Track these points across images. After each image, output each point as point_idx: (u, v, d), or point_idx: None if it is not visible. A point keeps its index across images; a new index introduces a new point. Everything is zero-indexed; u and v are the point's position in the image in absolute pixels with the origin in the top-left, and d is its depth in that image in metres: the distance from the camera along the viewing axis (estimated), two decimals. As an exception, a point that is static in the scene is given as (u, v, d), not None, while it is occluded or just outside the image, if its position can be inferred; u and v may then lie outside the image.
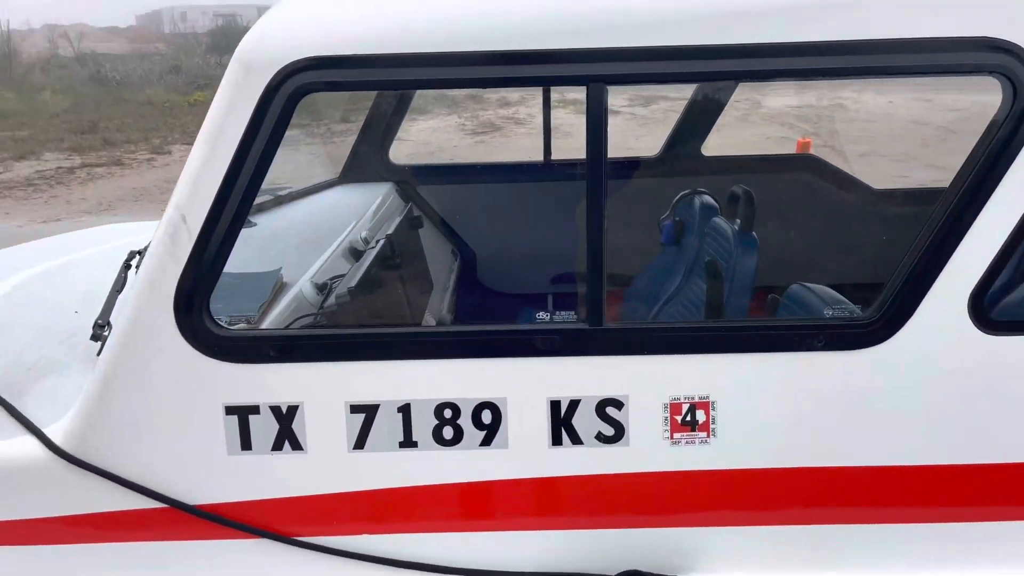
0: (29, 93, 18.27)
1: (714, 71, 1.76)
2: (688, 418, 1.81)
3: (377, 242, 2.77)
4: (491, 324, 2.18)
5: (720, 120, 3.60)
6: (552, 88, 3.52)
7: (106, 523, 1.88)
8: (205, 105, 1.78)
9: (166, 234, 1.76)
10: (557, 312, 3.40)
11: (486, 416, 1.82)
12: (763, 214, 2.73)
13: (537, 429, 1.82)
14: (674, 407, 1.80)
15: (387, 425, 1.82)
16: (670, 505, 1.87)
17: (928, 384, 1.79)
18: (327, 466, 1.85)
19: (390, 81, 1.82)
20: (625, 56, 1.68)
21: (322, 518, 1.87)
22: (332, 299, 2.30)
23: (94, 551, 1.90)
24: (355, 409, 1.82)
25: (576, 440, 1.83)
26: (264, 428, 1.82)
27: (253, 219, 2.68)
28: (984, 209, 1.70)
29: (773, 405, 1.81)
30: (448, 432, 1.83)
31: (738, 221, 2.76)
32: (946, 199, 1.72)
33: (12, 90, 18.56)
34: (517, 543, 1.89)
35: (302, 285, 2.30)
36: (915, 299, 1.75)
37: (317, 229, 2.88)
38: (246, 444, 1.83)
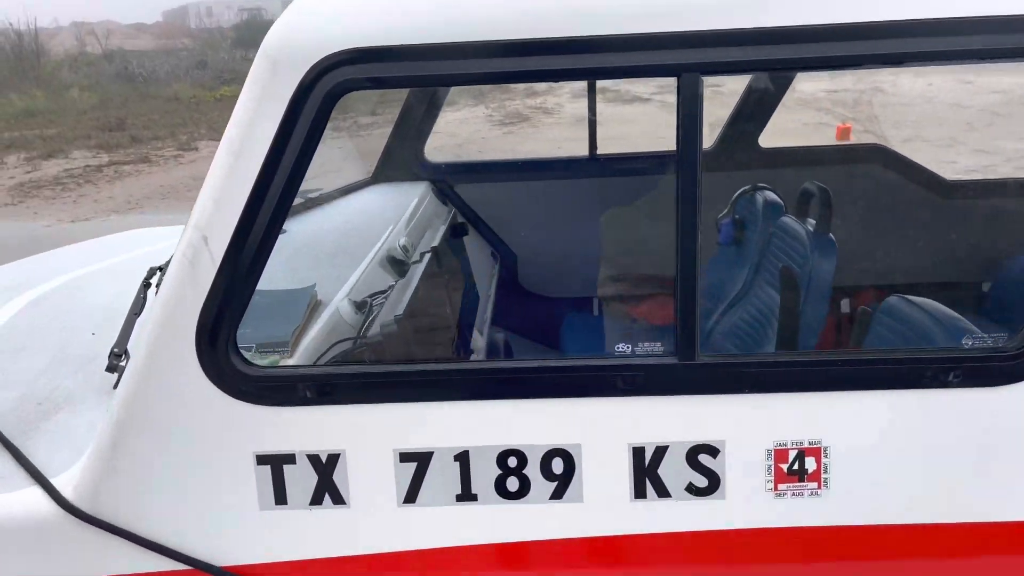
0: (57, 91, 18.78)
1: (840, 56, 1.49)
2: (796, 466, 1.61)
3: (422, 255, 2.59)
4: (561, 359, 2.00)
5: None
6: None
7: None
8: (232, 100, 1.61)
9: (185, 257, 1.56)
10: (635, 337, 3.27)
11: (557, 465, 1.62)
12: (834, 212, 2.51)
13: (617, 480, 1.63)
14: (779, 454, 1.60)
15: (442, 475, 1.63)
16: (773, 568, 1.67)
17: None
18: (373, 522, 1.67)
19: (445, 76, 1.57)
20: (726, 41, 1.44)
21: None
22: (376, 327, 2.11)
23: None
24: (405, 457, 1.63)
25: (663, 493, 1.63)
26: (301, 480, 1.64)
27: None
28: None
29: (897, 451, 1.60)
30: (513, 484, 1.64)
31: (811, 221, 2.55)
32: None
33: (40, 88, 19.06)
34: None
35: (339, 304, 2.11)
36: None
37: (351, 235, 2.71)
38: (280, 498, 1.65)
